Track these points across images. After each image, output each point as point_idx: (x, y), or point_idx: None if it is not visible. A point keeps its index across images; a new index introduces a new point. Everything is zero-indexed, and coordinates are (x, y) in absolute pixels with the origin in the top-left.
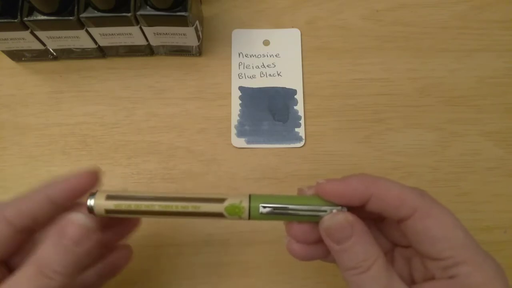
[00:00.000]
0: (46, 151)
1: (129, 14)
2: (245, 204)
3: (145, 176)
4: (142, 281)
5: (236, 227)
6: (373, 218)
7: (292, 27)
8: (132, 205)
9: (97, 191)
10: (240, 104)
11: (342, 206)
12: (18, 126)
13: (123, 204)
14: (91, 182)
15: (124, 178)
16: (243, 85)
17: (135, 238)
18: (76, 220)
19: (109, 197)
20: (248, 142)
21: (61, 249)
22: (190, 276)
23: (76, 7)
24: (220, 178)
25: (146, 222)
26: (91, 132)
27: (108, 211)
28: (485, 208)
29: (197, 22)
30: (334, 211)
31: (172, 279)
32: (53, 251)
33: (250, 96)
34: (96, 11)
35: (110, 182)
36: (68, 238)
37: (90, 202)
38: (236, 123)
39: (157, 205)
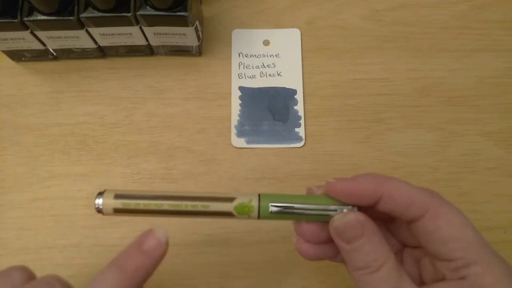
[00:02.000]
0: (46, 151)
1: (129, 14)
2: (255, 203)
3: (145, 176)
4: None
5: (236, 227)
6: (382, 219)
7: (292, 27)
8: (141, 204)
9: (105, 190)
10: (240, 104)
11: (352, 205)
12: (18, 126)
13: (132, 203)
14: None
15: (124, 178)
16: (243, 85)
17: (135, 238)
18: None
19: (118, 196)
20: (248, 142)
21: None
22: (190, 276)
23: (76, 7)
24: (220, 178)
25: (145, 222)
26: (91, 132)
27: (116, 210)
28: (485, 208)
29: (197, 22)
30: (345, 210)
31: (172, 279)
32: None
33: (250, 96)
34: (96, 11)
35: (110, 182)
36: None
37: (98, 201)
38: (236, 123)
39: (166, 204)
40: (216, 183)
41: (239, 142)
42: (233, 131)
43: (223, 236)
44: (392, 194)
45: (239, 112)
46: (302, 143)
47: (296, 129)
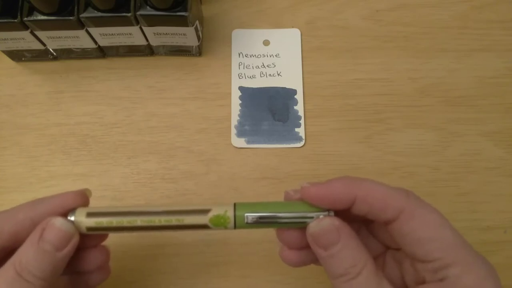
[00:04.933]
0: (46, 151)
1: (129, 14)
2: (230, 214)
3: (145, 176)
4: (141, 281)
5: None
6: (363, 221)
7: (292, 27)
8: (114, 221)
9: (76, 208)
10: (240, 104)
11: (328, 210)
12: (18, 126)
13: (104, 221)
14: (77, 203)
15: (124, 178)
16: (243, 85)
17: (134, 237)
18: (57, 224)
19: (90, 214)
20: (248, 142)
21: (40, 253)
22: (189, 276)
23: (76, 7)
24: (220, 178)
25: None
26: (91, 132)
27: (89, 229)
28: (485, 208)
29: (197, 22)
30: (321, 216)
31: (171, 279)
32: (32, 255)
33: (250, 96)
34: (96, 11)
35: (110, 182)
36: (49, 242)
37: (70, 219)
38: (236, 123)
39: (139, 220)
40: (216, 183)
41: (239, 142)
42: (233, 131)
43: (223, 236)
44: (366, 196)
45: (239, 112)
46: (302, 143)
47: (296, 129)
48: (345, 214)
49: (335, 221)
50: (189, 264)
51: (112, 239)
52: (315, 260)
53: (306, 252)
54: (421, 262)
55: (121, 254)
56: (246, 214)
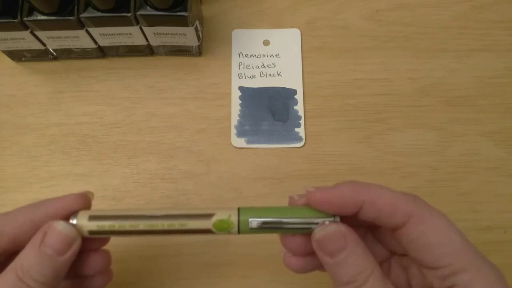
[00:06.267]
0: (46, 151)
1: (129, 14)
2: (234, 218)
3: (145, 176)
4: (141, 281)
5: None
6: (368, 226)
7: (292, 27)
8: (116, 225)
9: (78, 211)
10: (240, 104)
11: (334, 216)
12: (18, 126)
13: (107, 225)
14: (79, 205)
15: (124, 178)
16: (243, 85)
17: (135, 238)
18: (59, 228)
19: (92, 218)
20: (248, 142)
21: (42, 257)
22: (190, 276)
23: (76, 7)
24: (220, 178)
25: None
26: (91, 132)
27: (91, 232)
28: (485, 208)
29: (197, 22)
30: (327, 222)
31: (171, 279)
32: (34, 259)
33: (250, 96)
34: (96, 11)
35: (110, 182)
36: (50, 247)
37: (72, 223)
38: (236, 123)
39: (142, 224)
40: (216, 183)
41: (239, 142)
42: (233, 131)
43: (224, 236)
44: (374, 201)
45: (239, 112)
46: (302, 143)
47: (296, 129)
48: (350, 219)
49: (341, 227)
50: (191, 264)
51: (112, 240)
52: (320, 267)
53: (310, 258)
54: (429, 268)
55: (122, 255)
56: (250, 219)
